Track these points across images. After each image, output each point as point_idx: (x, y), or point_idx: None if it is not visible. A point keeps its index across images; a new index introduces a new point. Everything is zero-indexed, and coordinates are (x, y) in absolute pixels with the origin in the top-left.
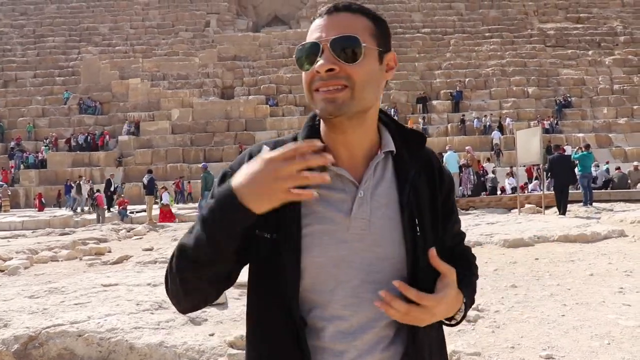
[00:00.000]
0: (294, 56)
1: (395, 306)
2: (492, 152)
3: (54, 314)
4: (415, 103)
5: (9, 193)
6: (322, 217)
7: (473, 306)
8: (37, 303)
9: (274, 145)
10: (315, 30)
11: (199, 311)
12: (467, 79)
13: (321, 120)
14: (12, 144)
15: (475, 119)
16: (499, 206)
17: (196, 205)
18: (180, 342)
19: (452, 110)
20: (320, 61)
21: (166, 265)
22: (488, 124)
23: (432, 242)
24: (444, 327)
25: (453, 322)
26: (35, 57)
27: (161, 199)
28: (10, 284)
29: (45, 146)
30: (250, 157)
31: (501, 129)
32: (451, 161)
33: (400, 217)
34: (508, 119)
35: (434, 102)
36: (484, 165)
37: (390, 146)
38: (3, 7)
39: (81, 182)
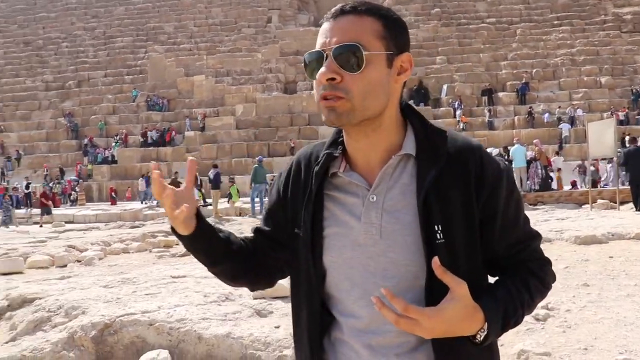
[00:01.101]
0: (302, 62)
1: (383, 312)
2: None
3: (127, 303)
4: (480, 95)
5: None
6: (339, 220)
7: (542, 304)
8: (111, 292)
9: (310, 153)
10: (321, 35)
11: (265, 304)
12: (534, 70)
13: None
14: (85, 141)
15: (547, 114)
16: (569, 201)
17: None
18: (246, 333)
19: (518, 102)
20: (322, 69)
21: None
22: (559, 116)
23: (467, 250)
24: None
25: (476, 341)
26: (106, 58)
27: None
28: (86, 274)
29: (115, 142)
30: (297, 162)
31: (572, 121)
32: (518, 155)
33: (418, 222)
34: (579, 110)
35: (500, 94)
36: (552, 159)
37: (408, 149)
38: (76, 12)
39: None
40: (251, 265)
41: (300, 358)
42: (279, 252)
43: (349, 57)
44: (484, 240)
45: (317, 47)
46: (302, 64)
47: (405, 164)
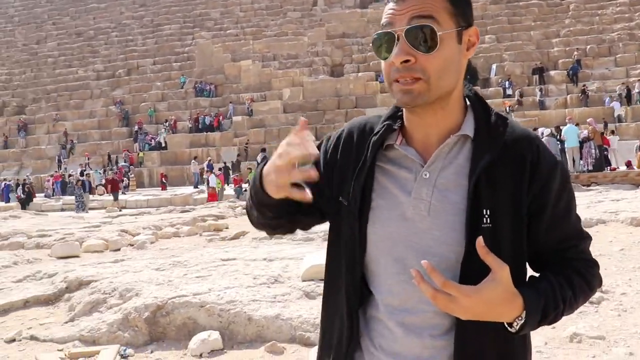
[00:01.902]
0: (370, 44)
1: (421, 286)
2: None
3: (178, 285)
4: (531, 74)
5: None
6: (389, 193)
7: None
8: (163, 275)
9: (364, 123)
10: (387, 15)
11: (314, 286)
12: (588, 46)
13: None
14: (136, 127)
15: (607, 97)
16: (625, 182)
17: None
18: (295, 315)
19: (571, 81)
20: (395, 51)
21: (280, 240)
22: (610, 95)
23: (512, 238)
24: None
25: (512, 329)
26: (154, 45)
27: (208, 183)
28: (139, 257)
29: (165, 129)
30: (350, 130)
31: (629, 97)
32: (570, 135)
33: (466, 204)
34: (637, 85)
35: (552, 73)
36: (609, 138)
37: (467, 130)
38: (125, 1)
39: (196, 162)
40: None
41: (333, 332)
42: (308, 215)
43: (423, 37)
44: (530, 232)
45: (385, 27)
46: (350, 46)
47: (462, 145)
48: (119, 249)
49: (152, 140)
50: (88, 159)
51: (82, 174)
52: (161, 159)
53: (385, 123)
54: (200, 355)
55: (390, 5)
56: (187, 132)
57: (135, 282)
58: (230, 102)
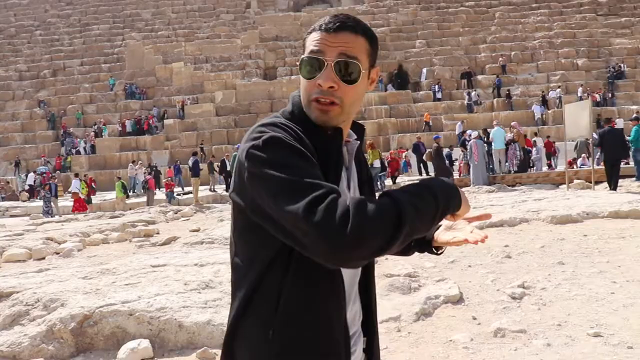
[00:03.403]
0: (297, 62)
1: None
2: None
3: (107, 294)
4: (460, 78)
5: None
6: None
7: (518, 283)
8: (91, 283)
9: (289, 126)
10: (317, 44)
11: None
12: (512, 53)
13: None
14: (62, 131)
15: (535, 105)
16: (547, 182)
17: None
18: (227, 320)
19: (495, 95)
20: (322, 77)
21: (212, 245)
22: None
23: None
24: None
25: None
26: (82, 46)
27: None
28: (65, 266)
29: (84, 140)
30: (295, 130)
31: (545, 103)
32: (498, 137)
33: (359, 192)
34: (552, 92)
35: (479, 77)
36: (533, 140)
37: (353, 135)
38: None
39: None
40: None
41: (332, 337)
42: None
43: (348, 71)
44: None
45: (316, 53)
46: (283, 49)
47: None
48: (43, 258)
49: (79, 145)
50: (13, 163)
51: (47, 177)
52: (89, 164)
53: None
54: None
55: (323, 35)
56: (116, 136)
57: (61, 291)
58: (155, 106)
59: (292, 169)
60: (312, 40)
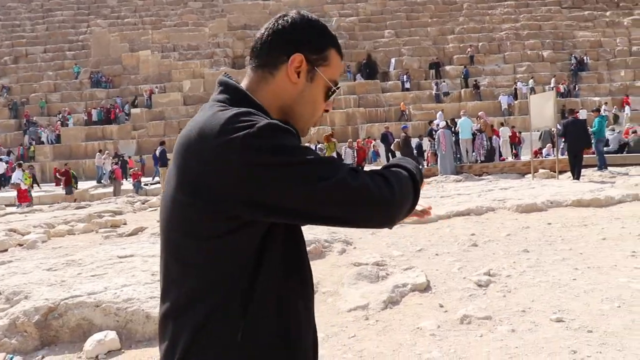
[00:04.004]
0: (333, 89)
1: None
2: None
3: (72, 285)
4: (428, 69)
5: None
6: None
7: (484, 271)
8: (55, 275)
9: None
10: (339, 73)
11: None
12: (480, 44)
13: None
14: (25, 120)
15: (502, 95)
16: (513, 171)
17: None
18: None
19: (463, 85)
20: (330, 105)
21: None
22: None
23: None
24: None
25: None
26: (45, 32)
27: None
28: (29, 258)
29: (43, 130)
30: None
31: (515, 95)
32: (465, 127)
33: None
34: (519, 83)
35: (447, 68)
36: (499, 130)
37: None
38: None
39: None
40: None
41: (308, 334)
42: None
43: None
44: None
45: (338, 82)
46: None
47: None
48: (6, 250)
49: (43, 133)
50: None
51: (10, 167)
52: (54, 153)
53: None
54: (97, 357)
55: (341, 62)
56: (82, 125)
57: (24, 284)
58: (118, 97)
59: (304, 150)
60: (340, 69)
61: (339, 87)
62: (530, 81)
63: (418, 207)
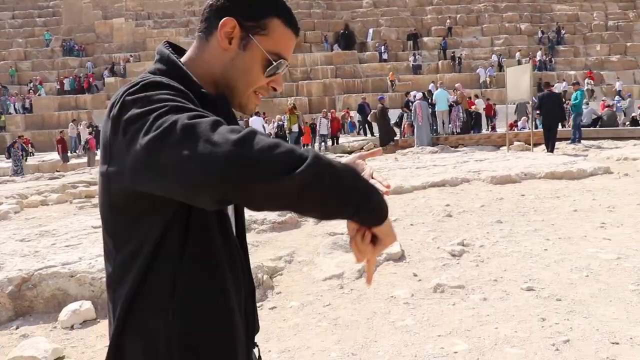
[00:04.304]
0: (278, 61)
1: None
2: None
3: (46, 256)
4: (406, 40)
5: None
6: None
7: (458, 241)
8: (29, 246)
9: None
10: (289, 47)
11: None
12: (458, 15)
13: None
14: None
15: (481, 69)
16: (488, 144)
17: None
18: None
19: (441, 57)
20: (279, 83)
21: None
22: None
23: None
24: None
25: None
26: None
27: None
28: (1, 229)
29: (31, 90)
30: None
31: (500, 67)
32: (441, 99)
33: None
34: (494, 56)
35: (425, 39)
36: (475, 102)
37: None
38: None
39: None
40: None
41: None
42: None
43: None
44: None
45: (285, 57)
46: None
47: None
48: None
49: (11, 104)
50: None
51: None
52: (26, 123)
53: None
54: (72, 327)
55: (292, 36)
56: (54, 94)
57: None
58: (89, 62)
59: (180, 102)
60: (288, 43)
61: (281, 62)
62: (518, 54)
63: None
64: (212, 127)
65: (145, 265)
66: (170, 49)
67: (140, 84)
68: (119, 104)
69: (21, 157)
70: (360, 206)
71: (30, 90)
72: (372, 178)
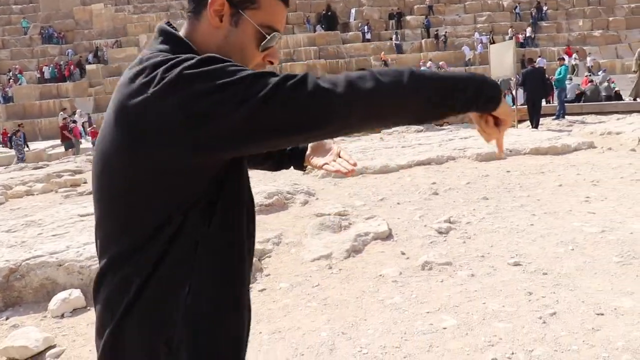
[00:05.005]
0: (271, 34)
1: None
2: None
3: (33, 246)
4: (388, 19)
5: None
6: None
7: (444, 218)
8: (15, 237)
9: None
10: (282, 21)
11: None
12: None
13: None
14: None
15: (466, 47)
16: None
17: None
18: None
19: (425, 35)
20: (275, 55)
21: None
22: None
23: None
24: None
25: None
26: None
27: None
28: None
29: (11, 79)
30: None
31: (475, 44)
32: None
33: None
34: (477, 34)
35: (408, 18)
36: None
37: None
38: None
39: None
40: None
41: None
42: None
43: None
44: None
45: (277, 28)
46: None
47: None
48: None
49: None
50: None
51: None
52: (7, 113)
53: None
54: (62, 316)
55: (283, 7)
56: (35, 83)
57: None
58: (69, 49)
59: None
60: (279, 14)
61: (274, 34)
62: (510, 30)
63: (342, 168)
64: (304, 78)
65: (162, 250)
66: (174, 29)
67: (197, 59)
68: (180, 81)
69: (22, 145)
70: (478, 98)
71: (10, 80)
72: (339, 157)
